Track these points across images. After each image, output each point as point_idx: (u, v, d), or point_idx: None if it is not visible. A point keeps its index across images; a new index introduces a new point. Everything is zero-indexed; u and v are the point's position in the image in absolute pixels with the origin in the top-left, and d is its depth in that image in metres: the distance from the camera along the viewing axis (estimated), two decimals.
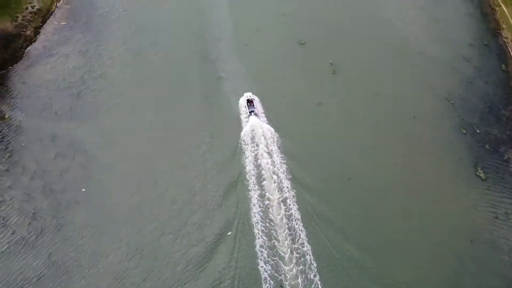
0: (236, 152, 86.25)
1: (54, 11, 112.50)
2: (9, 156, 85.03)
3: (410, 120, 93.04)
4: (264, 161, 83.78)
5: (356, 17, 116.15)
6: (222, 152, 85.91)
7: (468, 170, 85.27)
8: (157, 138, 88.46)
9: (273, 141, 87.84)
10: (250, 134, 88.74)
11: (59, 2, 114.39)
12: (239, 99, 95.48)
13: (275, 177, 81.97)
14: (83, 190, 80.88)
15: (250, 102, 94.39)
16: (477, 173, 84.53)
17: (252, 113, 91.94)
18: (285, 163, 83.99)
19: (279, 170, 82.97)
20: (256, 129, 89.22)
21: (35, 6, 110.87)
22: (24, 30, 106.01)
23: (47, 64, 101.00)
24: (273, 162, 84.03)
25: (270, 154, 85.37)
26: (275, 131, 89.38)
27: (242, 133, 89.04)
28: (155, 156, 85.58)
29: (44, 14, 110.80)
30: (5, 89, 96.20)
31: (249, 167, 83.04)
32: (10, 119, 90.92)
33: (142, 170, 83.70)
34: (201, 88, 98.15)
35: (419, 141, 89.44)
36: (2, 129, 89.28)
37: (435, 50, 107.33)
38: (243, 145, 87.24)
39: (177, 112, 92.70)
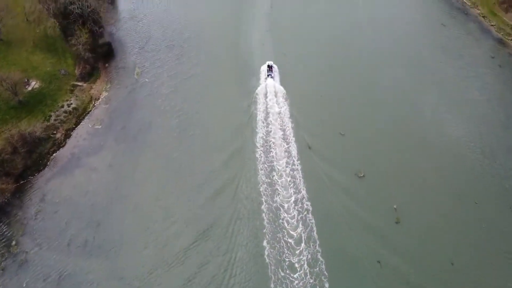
0: None
1: (90, 110, 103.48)
2: None
3: None
4: None
5: (426, 148, 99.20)
6: None
7: None
8: None
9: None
10: None
11: (97, 101, 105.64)
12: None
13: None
14: None
15: (270, 67, 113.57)
16: None
17: (270, 76, 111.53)
18: None
19: None
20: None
21: (71, 104, 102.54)
22: (55, 132, 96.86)
23: (72, 178, 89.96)
24: None
25: None
26: None
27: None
28: None
29: (80, 114, 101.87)
30: (20, 205, 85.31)
31: None
32: (17, 248, 78.94)
33: None
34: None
35: None
36: (5, 260, 77.19)
37: None
38: None
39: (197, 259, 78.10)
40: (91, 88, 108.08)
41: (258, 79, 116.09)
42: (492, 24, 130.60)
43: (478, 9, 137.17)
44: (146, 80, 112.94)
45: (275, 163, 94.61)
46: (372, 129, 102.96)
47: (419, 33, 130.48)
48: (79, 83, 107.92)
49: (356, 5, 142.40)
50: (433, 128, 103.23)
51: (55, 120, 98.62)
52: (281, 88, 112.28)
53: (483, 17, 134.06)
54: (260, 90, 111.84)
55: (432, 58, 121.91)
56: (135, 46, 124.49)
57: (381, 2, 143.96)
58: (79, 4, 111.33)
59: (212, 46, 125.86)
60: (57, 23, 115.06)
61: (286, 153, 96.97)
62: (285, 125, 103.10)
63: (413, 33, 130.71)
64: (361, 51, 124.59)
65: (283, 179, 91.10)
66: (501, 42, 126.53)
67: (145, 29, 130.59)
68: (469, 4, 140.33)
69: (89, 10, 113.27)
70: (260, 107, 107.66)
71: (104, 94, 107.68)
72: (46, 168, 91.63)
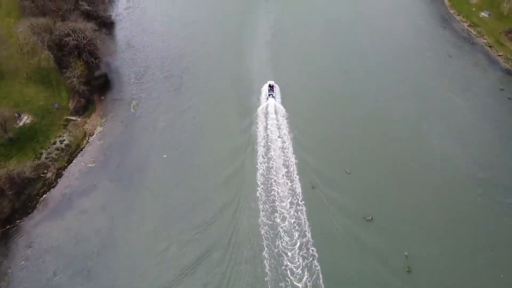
0: None
1: (84, 147, 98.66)
2: None
3: None
4: None
5: (436, 186, 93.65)
6: None
7: None
8: None
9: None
10: None
11: (91, 136, 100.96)
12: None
13: None
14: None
15: (271, 87, 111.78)
16: None
17: (271, 96, 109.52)
18: None
19: None
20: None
21: (64, 140, 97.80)
22: (45, 172, 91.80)
23: (61, 222, 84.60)
24: None
25: None
26: None
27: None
28: None
29: (72, 151, 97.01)
30: (5, 253, 79.73)
31: None
32: None
33: None
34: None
35: None
36: None
37: None
38: None
39: None
40: (85, 122, 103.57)
41: (258, 101, 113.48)
42: (499, 54, 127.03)
43: (484, 39, 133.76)
44: (143, 113, 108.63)
45: (277, 203, 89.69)
46: (378, 166, 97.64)
47: (425, 64, 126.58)
48: (73, 118, 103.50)
49: (360, 35, 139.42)
50: (443, 165, 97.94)
51: (46, 158, 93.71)
52: (283, 109, 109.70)
53: (490, 47, 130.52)
54: (260, 110, 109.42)
55: (439, 90, 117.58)
56: (132, 77, 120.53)
57: (386, 33, 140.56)
58: (75, 36, 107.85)
59: (210, 75, 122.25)
60: (52, 55, 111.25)
61: (291, 191, 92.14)
62: (288, 162, 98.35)
63: (419, 64, 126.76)
64: (365, 83, 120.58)
65: (287, 222, 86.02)
66: (509, 73, 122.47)
67: (142, 59, 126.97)
68: (475, 33, 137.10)
69: (85, 41, 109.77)
70: (261, 141, 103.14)
71: (99, 129, 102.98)
72: (35, 211, 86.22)
